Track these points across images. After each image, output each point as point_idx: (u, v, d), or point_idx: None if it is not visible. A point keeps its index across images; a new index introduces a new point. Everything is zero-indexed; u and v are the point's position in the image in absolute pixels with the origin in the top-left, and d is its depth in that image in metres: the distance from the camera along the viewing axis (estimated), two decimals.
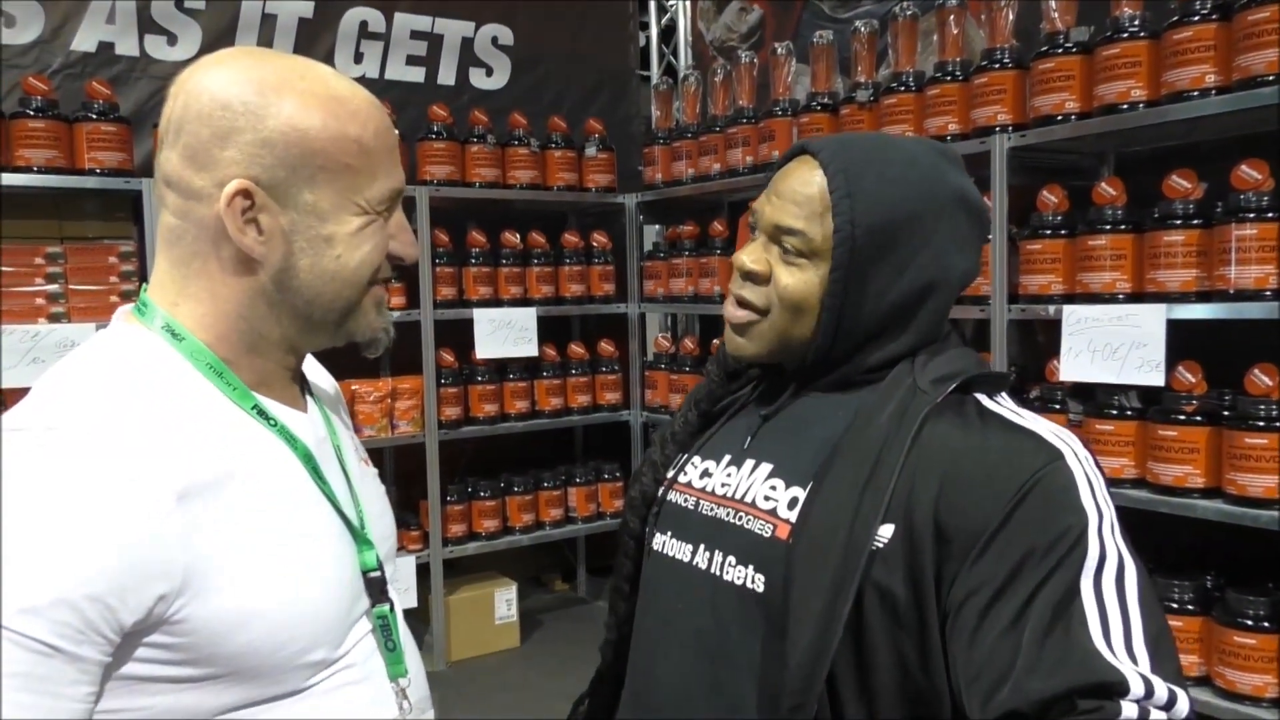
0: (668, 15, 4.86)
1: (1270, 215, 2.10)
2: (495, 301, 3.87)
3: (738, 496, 1.05)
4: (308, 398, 1.00)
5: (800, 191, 1.02)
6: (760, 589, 0.98)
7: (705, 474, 1.11)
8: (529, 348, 3.86)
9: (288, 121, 0.84)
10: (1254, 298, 2.12)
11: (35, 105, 3.04)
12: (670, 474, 1.15)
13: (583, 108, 4.42)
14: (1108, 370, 2.34)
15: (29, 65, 3.30)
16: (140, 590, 0.74)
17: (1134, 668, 0.82)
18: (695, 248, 3.89)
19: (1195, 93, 2.22)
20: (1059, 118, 2.48)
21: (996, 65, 2.64)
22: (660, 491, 1.15)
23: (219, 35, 3.64)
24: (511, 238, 3.93)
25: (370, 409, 3.60)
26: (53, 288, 3.06)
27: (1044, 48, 2.52)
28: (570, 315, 4.23)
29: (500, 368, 3.93)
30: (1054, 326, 2.46)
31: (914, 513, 0.92)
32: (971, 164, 2.69)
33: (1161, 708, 0.81)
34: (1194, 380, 2.25)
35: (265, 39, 3.73)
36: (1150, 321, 2.26)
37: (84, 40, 3.41)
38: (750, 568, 1.00)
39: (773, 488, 1.02)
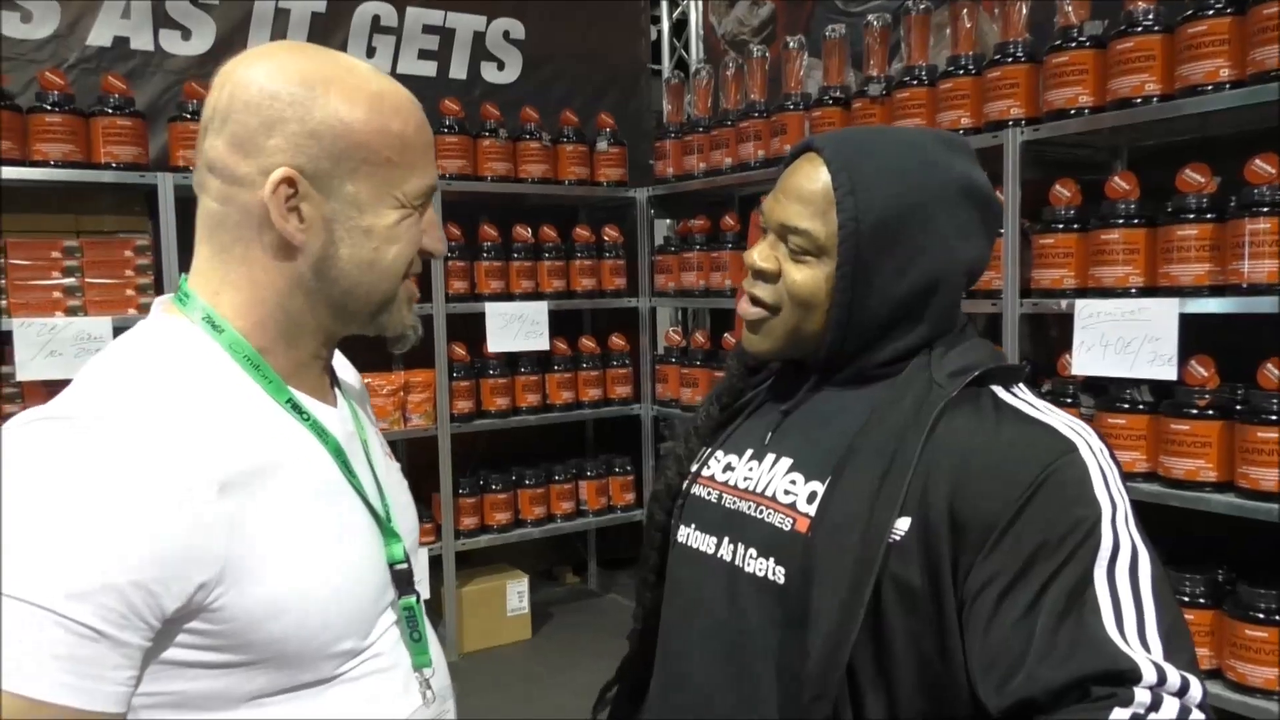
0: (679, 9, 4.86)
1: None
2: (507, 295, 3.88)
3: (759, 490, 1.07)
4: (336, 392, 1.01)
5: (805, 189, 1.03)
6: (780, 580, 1.00)
7: (728, 468, 1.13)
8: (540, 341, 3.88)
9: (334, 114, 0.86)
10: (1267, 292, 2.12)
11: (52, 100, 3.07)
12: (694, 468, 1.17)
13: (594, 102, 4.43)
14: (1120, 364, 2.34)
15: (45, 60, 3.32)
16: (182, 578, 0.76)
17: (1146, 655, 0.83)
18: (706, 242, 3.90)
19: (1209, 87, 2.21)
20: (1072, 112, 2.48)
21: (1009, 59, 2.64)
22: (684, 485, 1.17)
23: (232, 30, 3.67)
24: (523, 232, 3.94)
25: (383, 402, 3.62)
26: (69, 281, 3.08)
27: (1057, 41, 2.52)
28: (581, 309, 4.24)
29: (512, 361, 3.94)
30: (1066, 320, 2.46)
31: (930, 505, 0.93)
32: (984, 158, 2.67)
33: (1174, 694, 0.82)
34: (1206, 374, 2.25)
35: (278, 33, 3.75)
36: (1163, 316, 2.26)
37: (99, 35, 3.43)
38: (771, 560, 1.01)
39: (792, 482, 1.04)
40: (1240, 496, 2.18)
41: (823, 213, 1.01)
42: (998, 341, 2.67)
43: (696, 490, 1.15)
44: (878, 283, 1.01)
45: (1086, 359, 2.41)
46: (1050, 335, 2.84)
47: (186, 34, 3.59)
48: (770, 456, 1.08)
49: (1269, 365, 2.14)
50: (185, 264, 3.07)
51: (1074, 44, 2.48)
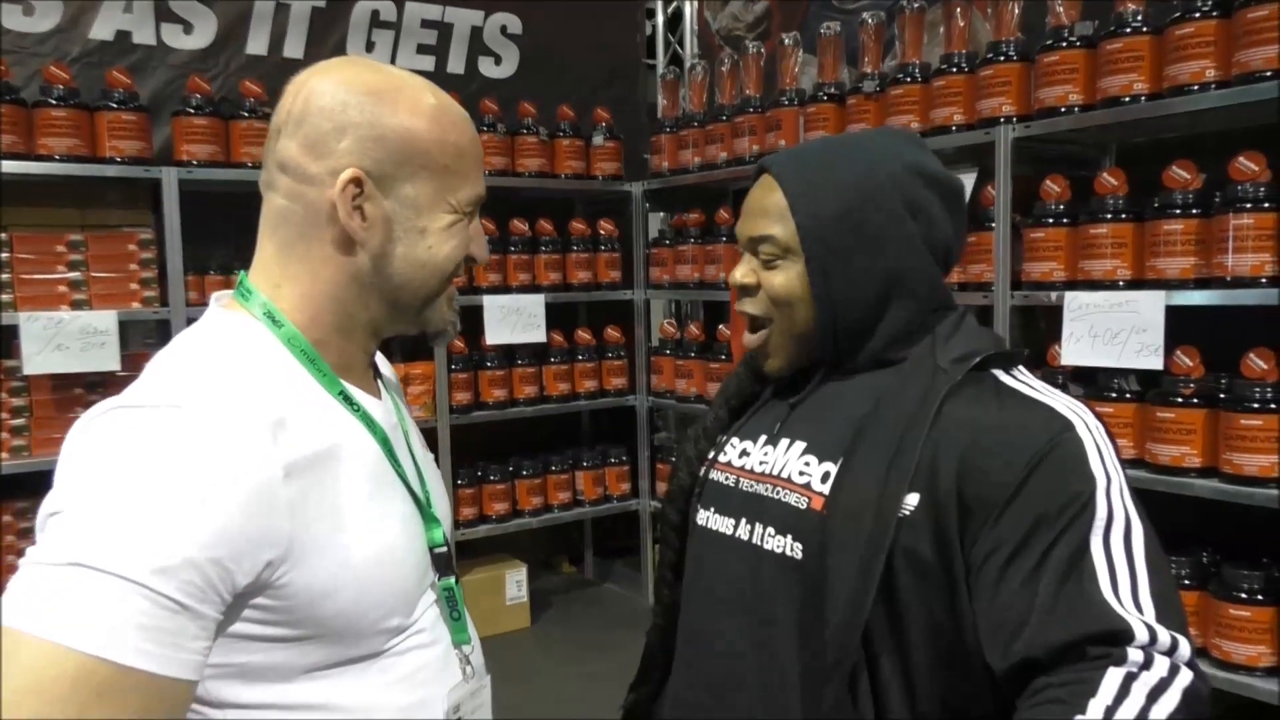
0: (673, 5, 4.91)
1: (1267, 205, 2.17)
2: (504, 288, 3.93)
3: (774, 473, 1.14)
4: (380, 385, 1.07)
5: (764, 202, 1.14)
6: (799, 556, 1.07)
7: (744, 453, 1.20)
8: (537, 334, 3.93)
9: (400, 123, 0.93)
10: (1250, 284, 2.20)
11: (57, 94, 3.09)
12: (711, 455, 1.24)
13: (590, 96, 4.47)
14: (1108, 355, 2.42)
15: (47, 54, 3.34)
16: (253, 555, 0.81)
17: (1139, 617, 0.90)
18: (701, 235, 3.96)
19: (1195, 87, 2.29)
20: (1063, 110, 2.55)
21: (1002, 58, 2.70)
22: (702, 472, 1.24)
23: (233, 25, 3.69)
24: (520, 225, 3.99)
25: None
26: (74, 275, 3.11)
27: (1049, 41, 2.59)
28: (577, 302, 4.29)
29: (509, 353, 3.99)
30: (1056, 312, 2.53)
31: (937, 482, 1.00)
32: (977, 154, 2.78)
33: (1165, 653, 0.89)
34: (1192, 364, 2.33)
35: (279, 28, 3.78)
36: (1149, 307, 2.33)
37: (101, 29, 3.45)
38: (789, 537, 1.08)
39: (806, 464, 1.11)
40: (1224, 481, 2.26)
41: (782, 219, 1.12)
42: None
43: (714, 476, 1.22)
44: (849, 271, 1.09)
45: (1075, 350, 2.48)
46: (1040, 327, 2.91)
47: (188, 28, 3.62)
48: (784, 441, 1.15)
49: (1252, 355, 2.22)
50: (189, 257, 3.08)
51: (1065, 44, 2.55)
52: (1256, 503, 2.19)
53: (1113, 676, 0.86)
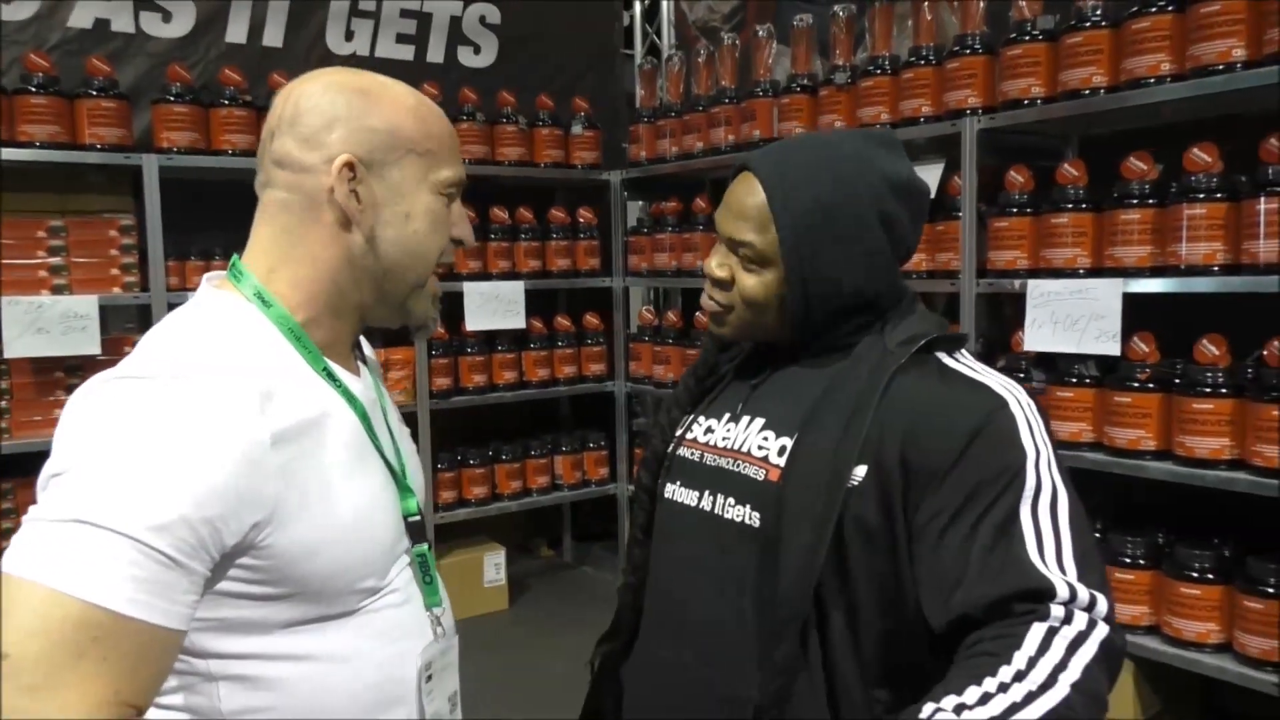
0: None
1: (1218, 196, 2.25)
2: (484, 275, 3.98)
3: (735, 447, 1.22)
4: (361, 364, 1.14)
5: (745, 204, 1.19)
6: (756, 524, 1.15)
7: (709, 430, 1.28)
8: (517, 320, 3.98)
9: (385, 114, 1.02)
10: (1203, 273, 2.28)
11: (37, 82, 3.12)
12: (679, 432, 1.32)
13: (569, 86, 4.51)
14: (1068, 341, 2.49)
15: (26, 41, 3.36)
16: (240, 517, 0.88)
17: (1062, 576, 0.98)
18: (678, 223, 4.01)
19: (1152, 80, 2.36)
20: (1026, 102, 2.62)
21: (968, 50, 2.77)
22: (670, 448, 1.31)
23: (212, 14, 3.72)
24: (500, 213, 4.04)
25: None
26: (55, 260, 3.14)
27: (1012, 34, 2.65)
28: (557, 289, 4.34)
29: (489, 339, 4.04)
30: (1020, 300, 2.60)
31: (884, 454, 1.08)
32: (943, 144, 2.85)
33: (1084, 609, 0.97)
34: (1147, 350, 2.40)
35: (257, 18, 3.80)
36: (1108, 295, 2.41)
37: (80, 17, 3.47)
38: (747, 506, 1.17)
39: (765, 438, 1.19)
40: (1177, 463, 2.34)
41: (762, 227, 1.17)
42: (956, 319, 2.82)
43: (682, 452, 1.30)
44: (822, 283, 1.16)
45: (1037, 336, 2.55)
46: (1006, 314, 2.98)
47: (167, 16, 3.64)
48: (745, 418, 1.24)
49: (1204, 341, 2.30)
50: (170, 243, 3.13)
51: (1028, 37, 2.61)
52: (1208, 484, 2.27)
53: (1036, 630, 0.95)
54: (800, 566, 1.07)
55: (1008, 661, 0.93)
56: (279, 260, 1.03)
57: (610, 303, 4.37)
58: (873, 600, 1.08)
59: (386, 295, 1.07)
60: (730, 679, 1.15)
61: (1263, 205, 2.17)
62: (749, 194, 1.18)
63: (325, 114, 1.01)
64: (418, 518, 1.11)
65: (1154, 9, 2.34)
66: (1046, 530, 1.01)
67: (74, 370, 3.15)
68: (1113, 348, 2.41)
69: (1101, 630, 0.96)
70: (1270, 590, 2.17)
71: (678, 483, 1.27)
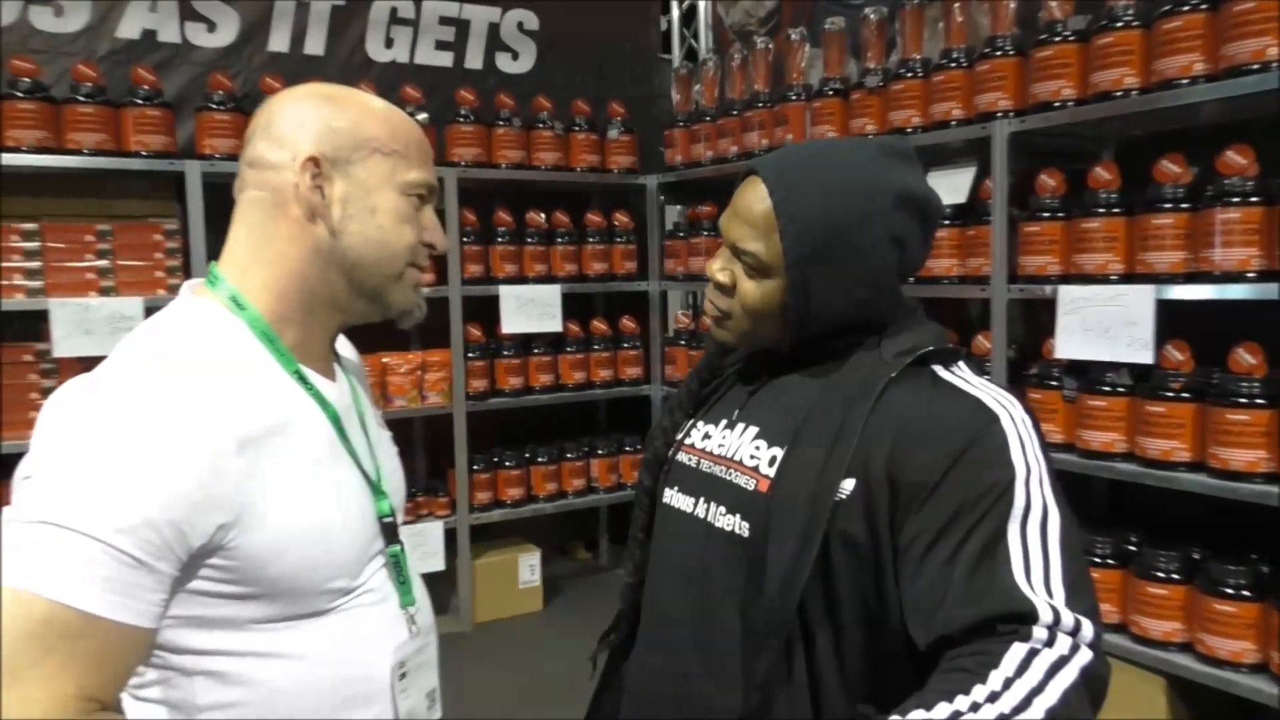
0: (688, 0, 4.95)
1: (1254, 199, 2.18)
2: (521, 279, 4.01)
3: (729, 455, 1.21)
4: (338, 368, 1.16)
5: (751, 210, 1.16)
6: (745, 534, 1.14)
7: (706, 436, 1.27)
8: (553, 323, 4.01)
9: (351, 116, 1.06)
10: (1238, 279, 2.21)
11: (84, 91, 3.22)
12: (679, 437, 1.32)
13: (605, 91, 4.52)
14: (1100, 348, 2.43)
15: (76, 52, 3.47)
16: (206, 519, 0.91)
17: (1047, 600, 0.95)
18: (714, 227, 3.99)
19: (1184, 80, 2.29)
20: (1056, 104, 2.56)
21: (998, 53, 2.72)
22: (670, 452, 1.31)
23: (255, 23, 3.81)
24: (536, 217, 4.07)
25: (401, 380, 3.76)
26: (102, 263, 3.24)
27: (1042, 35, 2.60)
28: (593, 292, 4.36)
29: (525, 342, 4.07)
30: (1053, 306, 2.54)
31: (871, 468, 1.06)
32: (975, 148, 2.80)
33: (1068, 633, 0.94)
34: (1181, 358, 2.34)
35: (299, 26, 3.88)
36: (1140, 301, 2.35)
37: (128, 28, 3.58)
38: (737, 516, 1.16)
39: (757, 447, 1.18)
40: (1212, 476, 2.26)
41: (766, 236, 1.14)
42: (988, 326, 2.77)
43: (680, 457, 1.29)
44: (826, 296, 1.14)
45: (1069, 343, 2.50)
46: (1042, 320, 2.93)
47: (212, 26, 3.73)
48: (741, 425, 1.23)
49: (1240, 350, 2.23)
50: (212, 246, 3.24)
51: (1058, 38, 2.56)
52: (1242, 497, 2.20)
53: (1016, 651, 0.92)
54: (784, 579, 1.06)
55: (983, 680, 0.90)
56: (251, 260, 1.06)
57: (647, 306, 4.38)
58: (858, 616, 1.07)
59: (359, 287, 1.09)
60: (714, 689, 1.15)
61: None
62: (756, 200, 1.15)
63: (295, 117, 1.05)
64: (391, 519, 1.13)
65: (1186, 8, 2.27)
66: (1035, 551, 0.99)
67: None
68: (1146, 356, 2.35)
69: (1084, 656, 0.93)
70: None
71: (675, 488, 1.27)
